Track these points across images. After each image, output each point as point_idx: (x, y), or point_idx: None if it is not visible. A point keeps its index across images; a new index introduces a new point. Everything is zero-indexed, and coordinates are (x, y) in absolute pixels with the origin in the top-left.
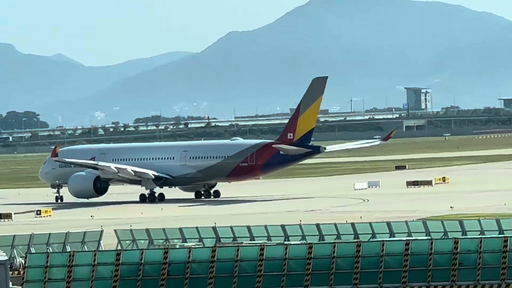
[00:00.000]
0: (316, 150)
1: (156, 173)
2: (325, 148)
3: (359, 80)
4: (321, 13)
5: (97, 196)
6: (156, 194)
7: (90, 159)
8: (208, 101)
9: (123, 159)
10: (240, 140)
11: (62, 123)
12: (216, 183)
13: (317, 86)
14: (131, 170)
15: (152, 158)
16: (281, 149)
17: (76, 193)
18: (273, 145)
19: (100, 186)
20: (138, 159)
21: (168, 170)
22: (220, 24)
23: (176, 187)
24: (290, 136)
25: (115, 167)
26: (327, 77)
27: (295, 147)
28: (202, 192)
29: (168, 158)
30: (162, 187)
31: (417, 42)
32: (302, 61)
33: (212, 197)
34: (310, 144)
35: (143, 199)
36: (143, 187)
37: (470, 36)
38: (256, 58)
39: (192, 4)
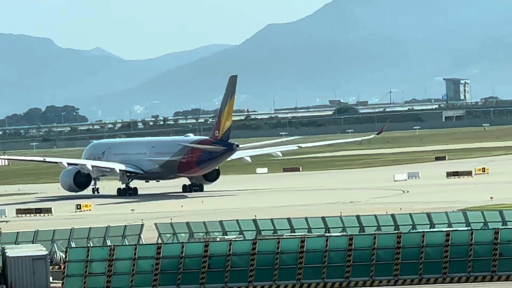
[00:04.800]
0: (230, 148)
1: (123, 168)
2: (238, 146)
3: (398, 71)
4: (360, 5)
5: (79, 190)
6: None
7: (102, 153)
8: (247, 94)
9: (118, 154)
10: (190, 137)
11: (101, 117)
12: (215, 177)
13: (231, 84)
14: (90, 165)
15: (134, 153)
16: (199, 148)
17: (63, 186)
18: (188, 144)
19: (80, 180)
20: (125, 154)
21: (140, 165)
22: (259, 16)
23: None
24: (216, 133)
25: (67, 163)
26: (237, 75)
27: (208, 146)
28: (187, 185)
29: (141, 153)
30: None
31: (456, 32)
32: (341, 53)
33: (194, 191)
34: (227, 141)
35: (119, 193)
36: (120, 182)
37: (509, 25)
38: (295, 50)
39: None
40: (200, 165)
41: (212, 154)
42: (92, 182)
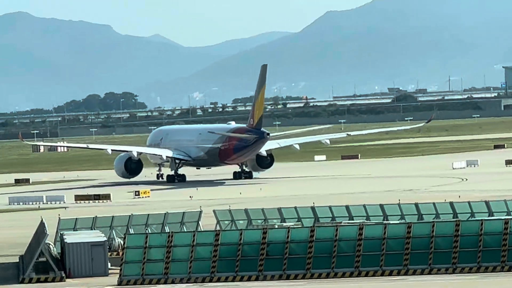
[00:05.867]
0: (261, 136)
1: (170, 154)
2: (268, 134)
3: (457, 59)
4: None
5: (130, 177)
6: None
7: (160, 140)
8: (306, 81)
9: (173, 140)
10: (231, 125)
11: (160, 104)
12: (268, 164)
13: (262, 73)
14: (136, 152)
15: (185, 140)
16: (235, 137)
17: (117, 173)
18: (218, 133)
19: (131, 166)
20: (178, 140)
21: (188, 152)
22: (318, 3)
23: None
24: (251, 121)
25: (111, 150)
26: (266, 65)
27: (241, 134)
28: (237, 172)
29: (190, 140)
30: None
31: None
32: (399, 40)
33: (244, 178)
34: (260, 129)
35: (168, 179)
36: (169, 168)
37: None
38: (354, 38)
39: None
40: (237, 153)
41: (247, 142)
42: (157, 168)
